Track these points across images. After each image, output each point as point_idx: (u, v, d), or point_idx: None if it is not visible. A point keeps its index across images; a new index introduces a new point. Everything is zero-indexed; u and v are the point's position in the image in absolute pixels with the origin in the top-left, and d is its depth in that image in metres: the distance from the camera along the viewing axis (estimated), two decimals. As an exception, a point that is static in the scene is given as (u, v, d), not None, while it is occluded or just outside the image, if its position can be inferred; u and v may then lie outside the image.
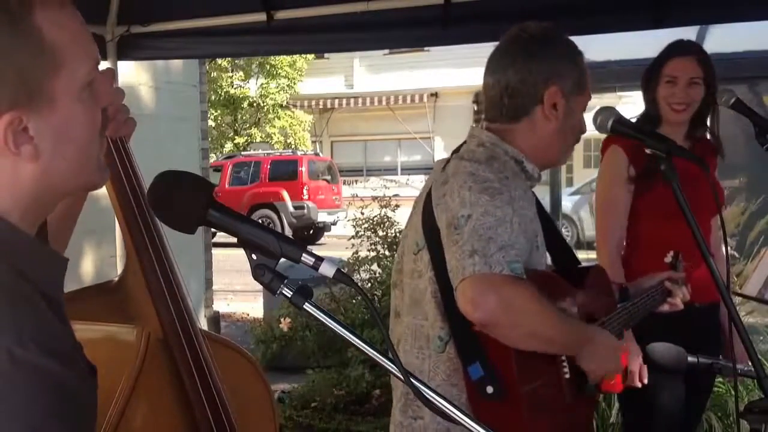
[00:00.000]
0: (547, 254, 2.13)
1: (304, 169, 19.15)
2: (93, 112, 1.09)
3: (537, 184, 2.06)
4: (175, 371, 1.62)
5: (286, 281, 1.15)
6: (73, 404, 1.00)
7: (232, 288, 10.73)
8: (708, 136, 3.04)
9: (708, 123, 3.00)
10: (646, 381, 2.71)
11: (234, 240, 1.16)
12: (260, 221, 1.44)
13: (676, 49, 2.93)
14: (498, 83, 2.00)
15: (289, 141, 24.26)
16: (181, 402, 1.63)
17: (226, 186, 19.11)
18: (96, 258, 6.33)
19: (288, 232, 17.56)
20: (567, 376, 1.94)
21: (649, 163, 2.46)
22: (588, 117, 2.08)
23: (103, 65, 1.75)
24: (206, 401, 1.63)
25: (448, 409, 1.15)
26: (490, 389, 1.83)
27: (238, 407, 1.70)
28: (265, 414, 1.87)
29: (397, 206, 7.35)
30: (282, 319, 6.78)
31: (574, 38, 2.07)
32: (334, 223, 18.73)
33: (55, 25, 1.04)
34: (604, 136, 2.52)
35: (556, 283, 1.99)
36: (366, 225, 7.05)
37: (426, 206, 1.99)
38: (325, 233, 19.28)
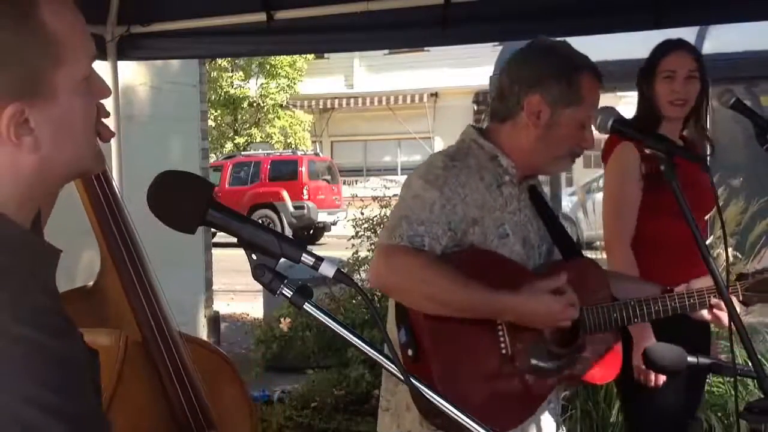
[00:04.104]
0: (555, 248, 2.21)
1: (304, 169, 19.14)
2: (89, 105, 1.12)
3: (515, 179, 2.11)
4: (155, 373, 1.63)
5: (286, 281, 1.16)
6: (69, 375, 1.02)
7: (232, 288, 10.72)
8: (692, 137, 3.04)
9: (702, 121, 3.01)
10: (652, 383, 2.71)
11: (234, 240, 1.16)
12: (260, 221, 1.44)
13: (672, 44, 2.94)
14: (495, 86, 2.13)
15: (289, 141, 24.24)
16: (160, 403, 1.64)
17: (226, 186, 19.10)
18: (92, 258, 6.31)
19: (288, 232, 17.56)
20: (504, 351, 2.02)
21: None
22: None
23: (104, 65, 1.76)
24: (185, 401, 1.64)
25: (448, 409, 1.15)
26: (410, 352, 1.97)
27: (216, 406, 1.71)
28: (242, 412, 1.88)
29: (397, 206, 7.33)
30: (282, 319, 6.77)
31: (573, 39, 2.08)
32: (334, 223, 18.73)
33: (58, 18, 1.06)
34: (604, 136, 2.52)
35: (498, 265, 2.06)
36: (366, 225, 7.05)
37: None
38: (325, 233, 19.27)
